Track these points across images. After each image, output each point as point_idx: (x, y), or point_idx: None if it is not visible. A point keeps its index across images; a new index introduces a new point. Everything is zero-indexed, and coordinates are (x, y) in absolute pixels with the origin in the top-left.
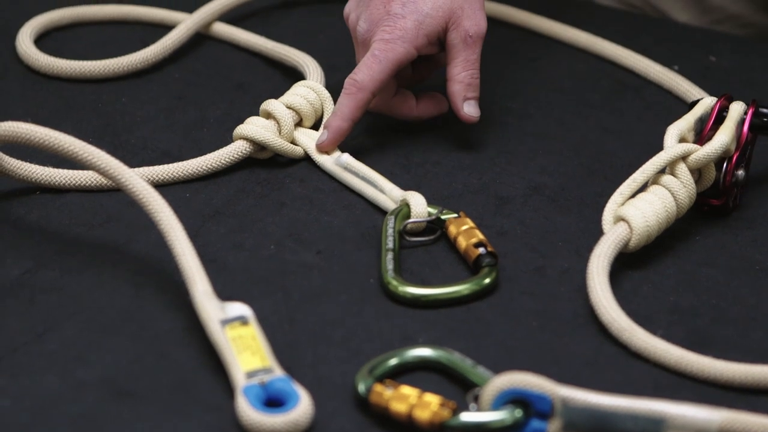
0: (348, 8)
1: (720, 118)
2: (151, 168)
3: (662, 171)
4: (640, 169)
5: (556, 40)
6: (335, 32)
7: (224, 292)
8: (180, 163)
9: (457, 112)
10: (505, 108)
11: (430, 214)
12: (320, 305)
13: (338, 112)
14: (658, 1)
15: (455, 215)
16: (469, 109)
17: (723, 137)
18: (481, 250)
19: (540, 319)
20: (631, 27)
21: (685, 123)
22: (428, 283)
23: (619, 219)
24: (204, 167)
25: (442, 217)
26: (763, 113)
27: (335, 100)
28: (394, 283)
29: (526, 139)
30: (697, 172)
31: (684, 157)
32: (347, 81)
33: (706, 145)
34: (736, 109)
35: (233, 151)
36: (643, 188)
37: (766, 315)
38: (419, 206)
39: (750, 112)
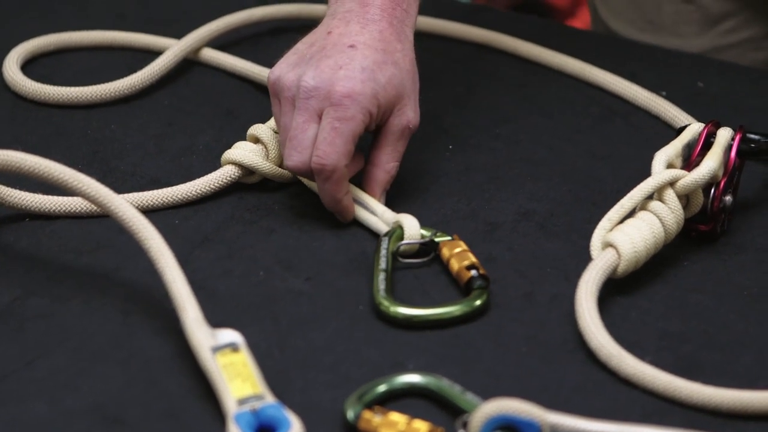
0: (279, 70)
1: (707, 144)
2: (140, 194)
3: (650, 197)
4: (628, 195)
5: (545, 66)
6: None
7: (214, 318)
8: (169, 189)
9: (374, 196)
10: (494, 134)
11: (423, 236)
12: (310, 331)
13: (329, 200)
14: (673, 26)
15: (449, 238)
16: (383, 200)
17: (711, 163)
18: (473, 272)
19: (529, 344)
20: (620, 53)
21: (672, 149)
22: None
23: (608, 245)
24: (193, 193)
25: (436, 239)
26: (750, 139)
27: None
28: (386, 303)
29: (515, 165)
30: (685, 198)
31: (672, 183)
32: (316, 167)
33: (693, 171)
34: (724, 135)
35: (222, 176)
36: (631, 214)
37: (755, 340)
38: (413, 228)
39: (737, 137)
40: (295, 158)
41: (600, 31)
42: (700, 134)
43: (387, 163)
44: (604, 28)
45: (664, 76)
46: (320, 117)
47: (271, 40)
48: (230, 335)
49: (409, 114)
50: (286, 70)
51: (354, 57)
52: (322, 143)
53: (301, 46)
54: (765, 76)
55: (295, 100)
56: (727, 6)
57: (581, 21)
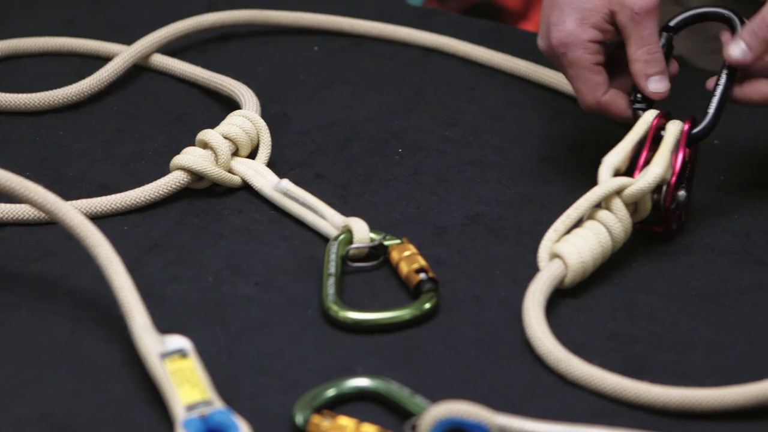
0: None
1: (657, 138)
2: (88, 201)
3: (598, 205)
4: (574, 205)
5: (495, 69)
6: (273, 64)
7: (163, 324)
8: (117, 195)
9: (644, 91)
10: (444, 137)
11: (372, 240)
12: (259, 337)
13: (617, 118)
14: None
15: (398, 241)
16: (655, 86)
17: (657, 169)
18: (423, 275)
19: (478, 347)
20: None
21: (618, 154)
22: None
23: (555, 256)
24: (141, 199)
25: (385, 243)
26: (698, 122)
27: (271, 131)
28: (335, 308)
29: (464, 168)
30: (633, 204)
31: (619, 192)
32: (585, 109)
33: (640, 179)
34: (672, 130)
35: (171, 181)
36: (579, 223)
37: (703, 340)
38: (362, 232)
39: (685, 129)
40: (583, 101)
41: None
42: (648, 130)
43: (635, 53)
44: None
45: None
46: None
47: (220, 46)
48: (179, 341)
49: (628, 3)
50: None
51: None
52: (575, 91)
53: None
54: None
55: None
56: None
57: (534, 23)
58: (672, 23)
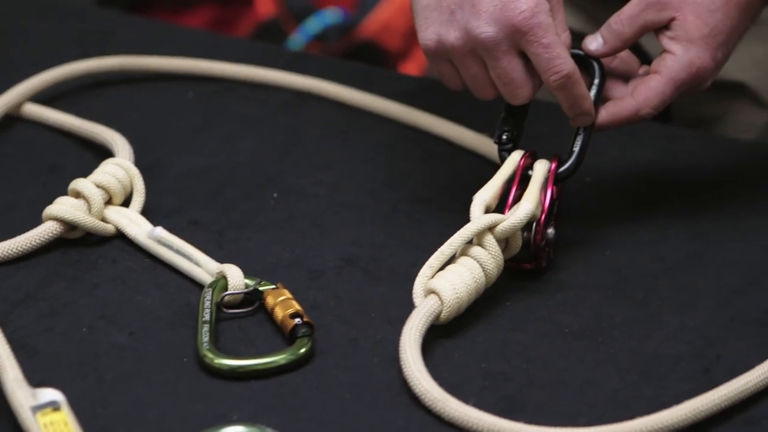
0: (433, 34)
1: (525, 177)
2: None
3: (470, 241)
4: (448, 242)
5: (369, 112)
6: (147, 110)
7: (35, 377)
8: None
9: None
10: (317, 181)
11: (247, 286)
12: (133, 387)
13: (580, 101)
14: None
15: (273, 286)
16: (593, 45)
17: (528, 206)
18: (297, 320)
19: (353, 391)
20: (447, 96)
21: (489, 191)
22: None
23: (430, 292)
24: (14, 250)
25: (260, 288)
26: (564, 161)
27: (145, 179)
28: (210, 355)
29: (338, 211)
30: (505, 241)
31: (491, 228)
32: (558, 83)
33: (511, 215)
34: (540, 169)
35: (43, 232)
36: (452, 259)
37: (575, 378)
38: (236, 278)
39: (553, 168)
40: (523, 95)
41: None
42: (516, 169)
43: (562, 33)
44: None
45: (490, 119)
46: (517, 49)
47: (94, 93)
48: (51, 394)
49: None
50: (442, 30)
51: None
52: (548, 62)
53: (427, 0)
54: None
55: (476, 53)
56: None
57: (416, 62)
58: None
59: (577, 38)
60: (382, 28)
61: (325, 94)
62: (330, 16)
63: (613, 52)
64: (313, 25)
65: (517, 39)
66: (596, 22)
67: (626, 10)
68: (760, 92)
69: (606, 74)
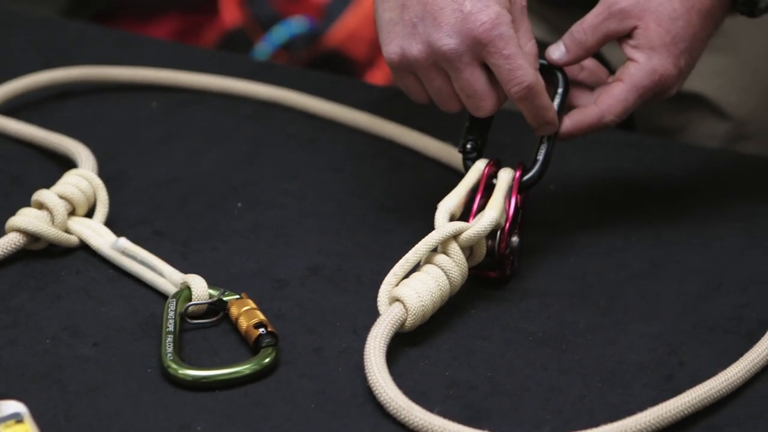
0: (396, 47)
1: (490, 185)
2: None
3: (435, 249)
4: (413, 250)
5: (335, 122)
6: (111, 121)
7: None
8: None
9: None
10: (283, 190)
11: (211, 296)
12: (97, 398)
13: (543, 111)
14: None
15: (237, 296)
16: (556, 54)
17: (492, 213)
18: (262, 330)
19: (318, 400)
20: (411, 105)
21: (454, 199)
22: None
23: (394, 299)
24: None
25: (224, 298)
26: (528, 169)
27: (109, 189)
28: (174, 366)
29: (303, 221)
30: (469, 249)
31: (455, 236)
32: (521, 95)
33: (475, 223)
34: (504, 177)
35: (6, 243)
36: (416, 267)
37: (540, 385)
38: (200, 288)
39: (517, 176)
40: (486, 107)
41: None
42: (481, 177)
43: (526, 44)
44: None
45: (455, 128)
46: (479, 61)
47: (57, 104)
48: (13, 406)
49: None
50: (405, 43)
51: None
52: (509, 73)
53: (390, 14)
54: None
55: (439, 65)
56: None
57: (382, 71)
58: None
59: (540, 47)
60: (349, 36)
61: (291, 104)
62: (296, 25)
63: (575, 61)
64: (280, 34)
65: (478, 51)
66: (559, 32)
67: (588, 19)
68: (719, 103)
69: (571, 83)
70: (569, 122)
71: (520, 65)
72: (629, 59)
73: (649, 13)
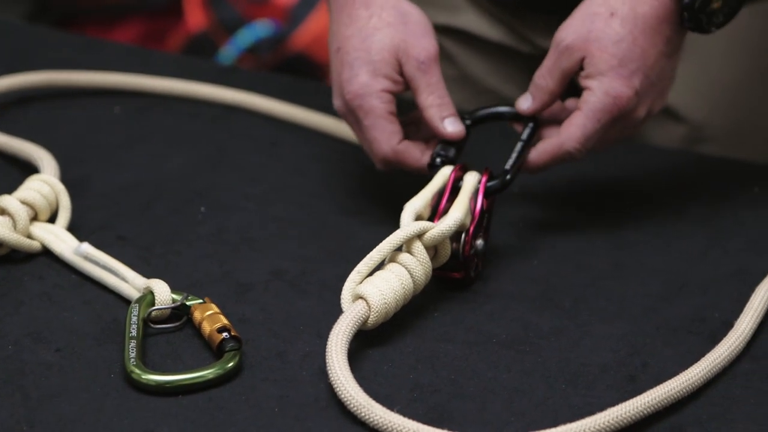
0: (334, 99)
1: (456, 189)
2: None
3: (399, 249)
4: (377, 248)
5: (299, 125)
6: (74, 126)
7: None
8: None
9: (442, 135)
10: (246, 194)
11: (174, 301)
12: (60, 404)
13: (413, 169)
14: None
15: (200, 301)
16: (452, 128)
17: (457, 214)
18: (225, 334)
19: (281, 404)
20: None
21: (420, 200)
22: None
23: (358, 297)
24: None
25: (187, 303)
26: (495, 176)
27: (72, 194)
28: (137, 371)
29: (267, 225)
30: (434, 249)
31: (420, 235)
32: (376, 166)
33: (440, 222)
34: (470, 181)
35: None
36: (381, 266)
37: (503, 387)
38: (163, 293)
39: (483, 180)
40: (376, 162)
41: None
42: (447, 181)
43: (426, 100)
44: None
45: None
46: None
47: (19, 109)
48: None
49: (413, 53)
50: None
51: None
52: (367, 144)
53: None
54: None
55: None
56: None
57: None
58: (469, 116)
59: (502, 51)
60: (314, 40)
61: (255, 108)
62: (261, 28)
63: (543, 107)
64: (245, 37)
65: (354, 114)
66: (516, 35)
67: (544, 64)
68: (676, 106)
69: (540, 125)
70: (534, 153)
71: (374, 138)
72: (584, 89)
73: (591, 42)
